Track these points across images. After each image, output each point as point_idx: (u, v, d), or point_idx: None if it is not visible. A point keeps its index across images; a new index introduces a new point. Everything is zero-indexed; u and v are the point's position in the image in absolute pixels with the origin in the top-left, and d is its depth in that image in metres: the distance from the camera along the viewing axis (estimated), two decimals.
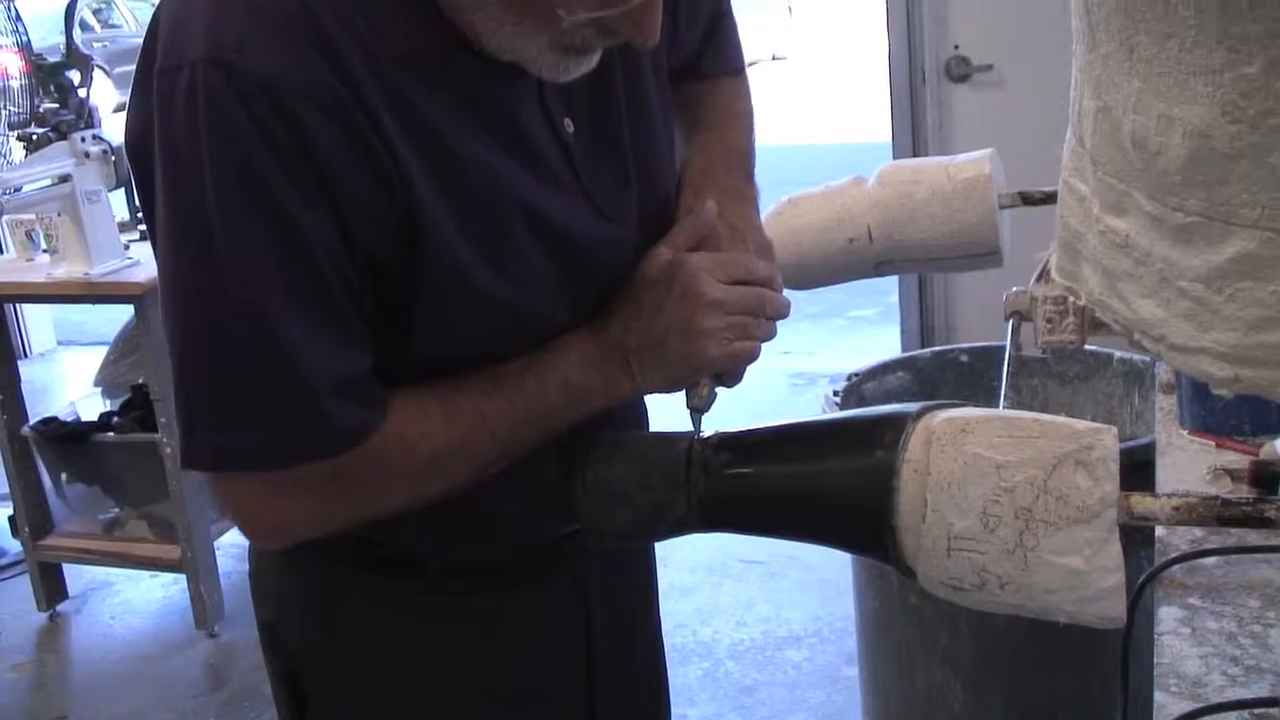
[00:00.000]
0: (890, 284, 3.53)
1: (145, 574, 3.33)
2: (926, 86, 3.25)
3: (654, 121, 1.06)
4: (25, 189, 2.81)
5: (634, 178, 1.03)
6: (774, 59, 13.87)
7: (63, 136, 3.05)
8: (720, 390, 1.04)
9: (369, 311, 0.89)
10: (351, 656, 1.10)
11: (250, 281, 0.83)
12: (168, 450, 2.98)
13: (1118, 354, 2.14)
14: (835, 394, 2.10)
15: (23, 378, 3.28)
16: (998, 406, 1.15)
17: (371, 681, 1.10)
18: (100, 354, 3.56)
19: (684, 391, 1.02)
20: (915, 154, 3.24)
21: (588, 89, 0.99)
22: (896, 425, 0.83)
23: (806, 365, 4.67)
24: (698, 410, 1.01)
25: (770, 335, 1.01)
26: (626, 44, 0.91)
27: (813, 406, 2.01)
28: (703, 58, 1.18)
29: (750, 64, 1.28)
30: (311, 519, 0.94)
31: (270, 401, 0.85)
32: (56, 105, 3.19)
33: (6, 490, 3.29)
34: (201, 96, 0.80)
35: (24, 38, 3.25)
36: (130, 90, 0.89)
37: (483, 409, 0.95)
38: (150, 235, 0.90)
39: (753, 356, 1.00)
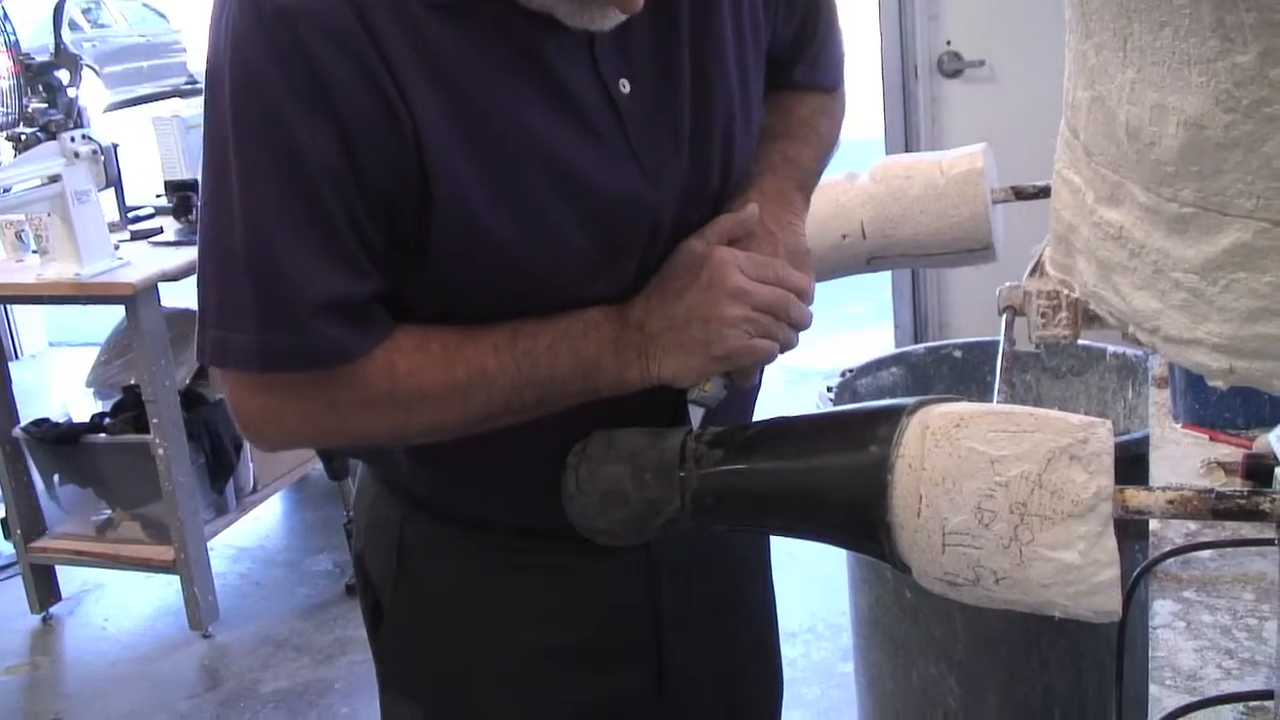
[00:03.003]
0: (883, 280, 3.53)
1: (139, 575, 3.32)
2: (919, 82, 3.25)
3: (726, 93, 1.03)
4: (14, 189, 2.80)
5: (688, 146, 1.01)
6: None
7: (52, 136, 3.04)
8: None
9: (380, 244, 0.92)
10: (419, 598, 1.14)
11: (251, 194, 0.88)
12: (160, 451, 2.97)
13: (1111, 348, 2.14)
14: (829, 390, 2.10)
15: (14, 379, 3.27)
16: (992, 401, 1.15)
17: (435, 626, 1.13)
18: (92, 355, 3.55)
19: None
20: (908, 149, 3.24)
21: (654, 52, 0.99)
22: (891, 420, 0.83)
23: (800, 361, 4.67)
24: (697, 404, 1.00)
25: (791, 343, 1.00)
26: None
27: (807, 402, 2.01)
28: (795, 66, 1.16)
29: None
30: (296, 426, 0.98)
31: (260, 309, 0.90)
32: (45, 105, 3.18)
33: None
34: (234, 15, 0.87)
35: (12, 37, 3.24)
36: None
37: (485, 362, 0.96)
38: None
39: (769, 356, 1.00)
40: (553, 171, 0.94)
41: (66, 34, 3.41)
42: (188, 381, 3.21)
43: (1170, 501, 0.74)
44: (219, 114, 0.89)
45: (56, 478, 3.25)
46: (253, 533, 3.69)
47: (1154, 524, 1.21)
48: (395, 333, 0.95)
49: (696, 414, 0.99)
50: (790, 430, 0.92)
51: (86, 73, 3.46)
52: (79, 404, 3.41)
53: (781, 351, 1.01)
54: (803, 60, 1.16)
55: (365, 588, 1.18)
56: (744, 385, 1.03)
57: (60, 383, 4.98)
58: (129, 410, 3.19)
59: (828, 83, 1.18)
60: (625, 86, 0.97)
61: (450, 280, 0.96)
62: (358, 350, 0.93)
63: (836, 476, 0.84)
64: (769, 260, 1.00)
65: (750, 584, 1.28)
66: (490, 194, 0.93)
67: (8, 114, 3.21)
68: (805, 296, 1.01)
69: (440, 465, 1.07)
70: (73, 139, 2.95)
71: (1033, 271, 1.27)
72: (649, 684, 1.16)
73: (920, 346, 2.34)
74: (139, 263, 2.99)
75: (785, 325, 0.99)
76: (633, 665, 1.15)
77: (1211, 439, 1.42)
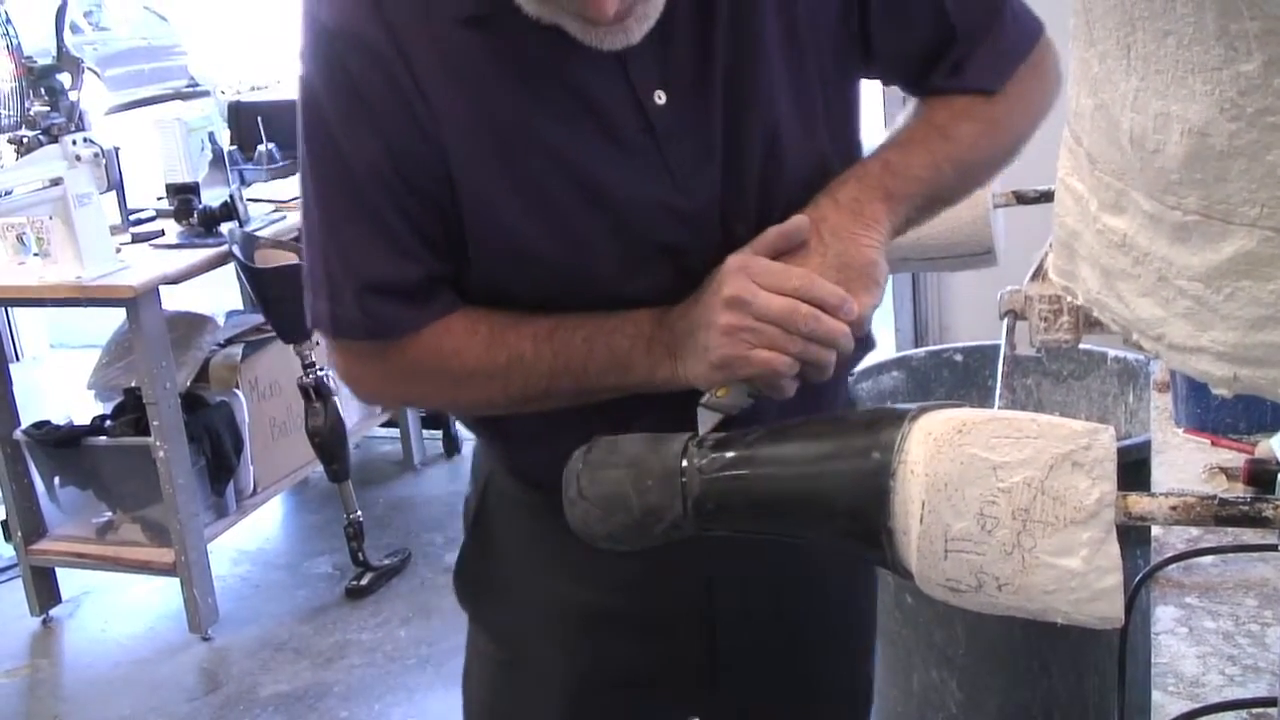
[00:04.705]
0: None
1: (139, 578, 3.31)
2: None
3: (767, 104, 1.01)
4: (16, 192, 2.80)
5: (720, 155, 1.01)
6: None
7: (53, 139, 3.04)
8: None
9: (436, 233, 1.01)
10: (489, 544, 1.24)
11: (316, 187, 1.03)
12: (160, 454, 2.97)
13: (1112, 353, 2.14)
14: None
15: (15, 381, 3.27)
16: (992, 406, 1.15)
17: (500, 571, 1.23)
18: (93, 357, 3.55)
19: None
20: None
21: (691, 63, 0.99)
22: (893, 426, 0.82)
23: None
24: (710, 409, 0.98)
25: (814, 358, 0.96)
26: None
27: None
28: (932, 71, 1.10)
29: None
30: (370, 386, 1.13)
31: (328, 284, 1.04)
32: (47, 108, 3.18)
33: None
34: (301, 34, 1.01)
35: (14, 40, 3.24)
36: None
37: (524, 349, 1.02)
38: None
39: (775, 369, 0.96)
40: (576, 180, 0.98)
41: (68, 37, 3.41)
42: (188, 384, 3.21)
43: (1173, 507, 0.73)
44: (298, 117, 1.03)
45: (57, 480, 3.25)
46: (253, 535, 3.69)
47: (1156, 530, 1.21)
48: (452, 313, 1.04)
49: (707, 419, 0.98)
50: (791, 435, 0.92)
51: (88, 75, 3.45)
52: (80, 406, 3.41)
53: (811, 368, 0.97)
54: (942, 65, 1.09)
55: (465, 529, 1.28)
56: (774, 396, 0.99)
57: (61, 385, 4.97)
58: (130, 413, 3.19)
59: (980, 86, 1.10)
60: (660, 97, 0.99)
61: (491, 276, 1.03)
62: (406, 327, 1.03)
63: (838, 482, 0.84)
64: (790, 270, 0.96)
65: (819, 577, 1.22)
66: (515, 201, 0.99)
67: (9, 117, 3.20)
68: (836, 310, 0.95)
69: (508, 429, 1.15)
70: (74, 142, 2.96)
71: (1034, 276, 1.26)
72: (698, 665, 1.18)
73: (921, 350, 2.34)
74: (140, 265, 2.99)
75: (799, 339, 0.95)
76: (680, 641, 1.17)
77: (1213, 444, 1.42)
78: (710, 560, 1.13)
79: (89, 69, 3.46)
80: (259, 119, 3.88)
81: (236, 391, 3.35)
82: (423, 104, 0.96)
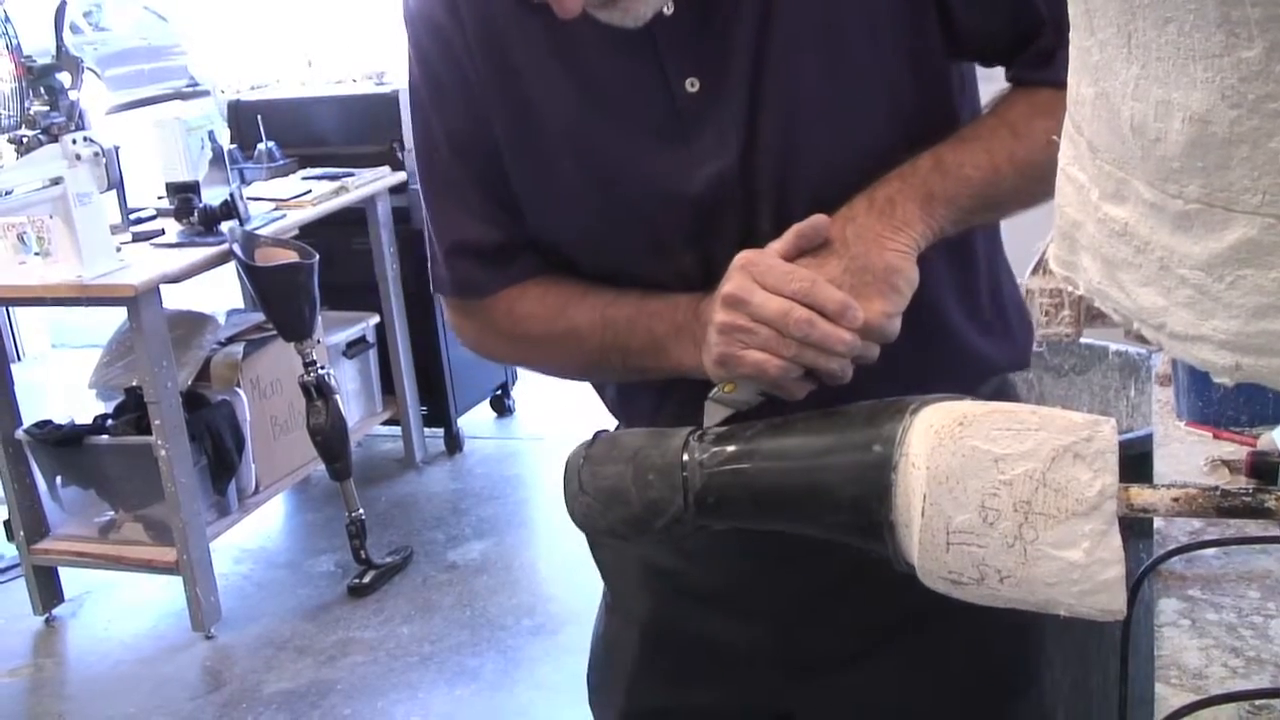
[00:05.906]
0: None
1: (141, 576, 3.32)
2: None
3: (791, 97, 0.99)
4: (16, 192, 2.80)
5: (740, 144, 0.99)
6: None
7: (53, 139, 3.04)
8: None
9: (509, 198, 1.08)
10: None
11: (419, 156, 1.14)
12: (162, 453, 2.97)
13: (1113, 346, 2.14)
14: None
15: (16, 380, 3.27)
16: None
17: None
18: (94, 356, 3.55)
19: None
20: None
21: (722, 51, 0.99)
22: (894, 419, 0.82)
23: None
24: (717, 403, 0.97)
25: (812, 364, 0.93)
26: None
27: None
28: (1014, 61, 1.05)
29: None
30: (465, 339, 1.19)
31: (429, 245, 1.15)
32: (47, 108, 3.19)
33: (1, 494, 3.29)
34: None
35: (14, 40, 3.24)
36: None
37: (580, 322, 1.07)
38: None
39: (765, 371, 0.93)
40: (594, 165, 1.02)
41: (68, 37, 3.41)
42: (189, 383, 3.21)
43: (1175, 499, 0.74)
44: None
45: (59, 479, 3.25)
46: (255, 534, 3.69)
47: (1158, 522, 1.21)
48: (530, 279, 1.10)
49: (713, 413, 0.97)
50: (793, 429, 0.91)
51: (88, 75, 3.46)
52: (81, 406, 3.41)
53: (821, 373, 0.94)
54: (1025, 55, 1.03)
55: None
56: (783, 397, 0.96)
57: (62, 384, 4.98)
58: (131, 412, 3.20)
59: (1053, 79, 0.96)
60: (693, 85, 0.99)
61: (550, 243, 1.09)
62: (486, 288, 1.11)
63: (840, 476, 0.84)
64: (795, 272, 0.93)
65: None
66: (537, 182, 1.05)
67: (10, 116, 3.20)
68: (838, 317, 0.91)
69: (611, 388, 1.20)
70: (74, 141, 2.96)
71: (1035, 270, 1.27)
72: (767, 648, 1.16)
73: None
74: (140, 264, 2.99)
75: (794, 343, 0.92)
76: (746, 621, 1.16)
77: (1215, 437, 1.41)
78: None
79: (89, 69, 3.46)
80: (258, 118, 3.88)
81: (238, 390, 3.35)
82: (476, 77, 1.04)
